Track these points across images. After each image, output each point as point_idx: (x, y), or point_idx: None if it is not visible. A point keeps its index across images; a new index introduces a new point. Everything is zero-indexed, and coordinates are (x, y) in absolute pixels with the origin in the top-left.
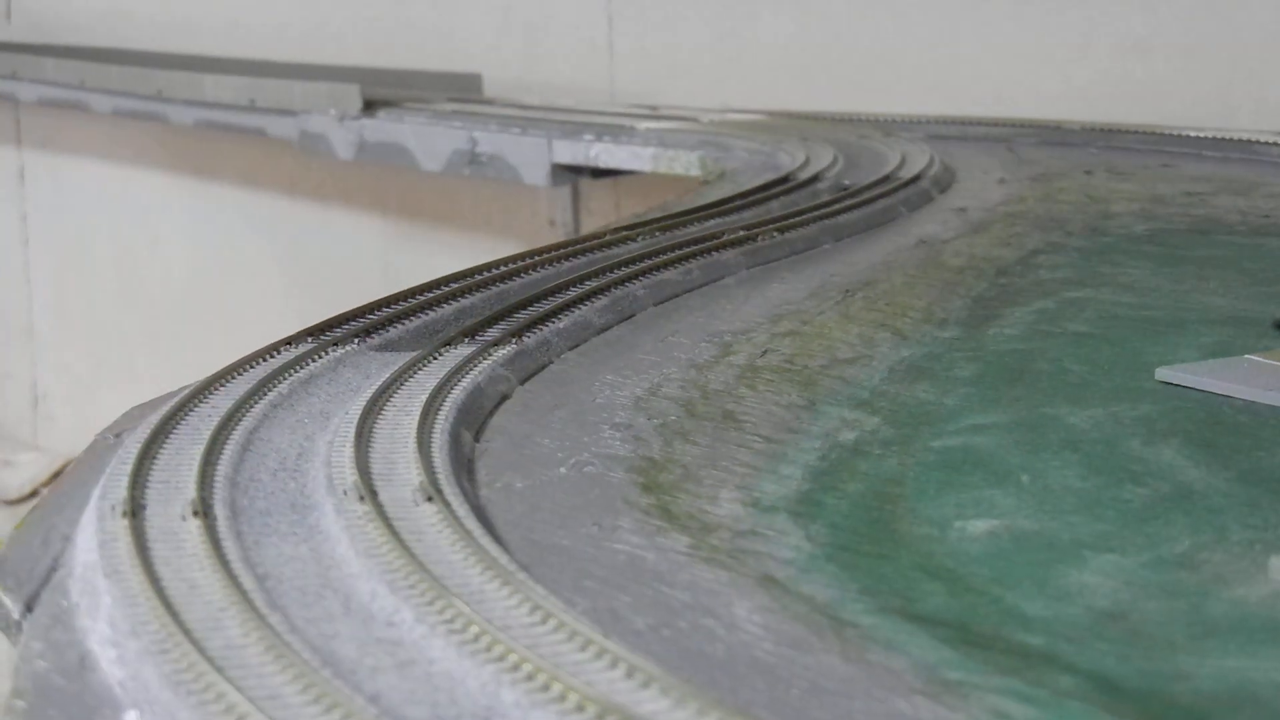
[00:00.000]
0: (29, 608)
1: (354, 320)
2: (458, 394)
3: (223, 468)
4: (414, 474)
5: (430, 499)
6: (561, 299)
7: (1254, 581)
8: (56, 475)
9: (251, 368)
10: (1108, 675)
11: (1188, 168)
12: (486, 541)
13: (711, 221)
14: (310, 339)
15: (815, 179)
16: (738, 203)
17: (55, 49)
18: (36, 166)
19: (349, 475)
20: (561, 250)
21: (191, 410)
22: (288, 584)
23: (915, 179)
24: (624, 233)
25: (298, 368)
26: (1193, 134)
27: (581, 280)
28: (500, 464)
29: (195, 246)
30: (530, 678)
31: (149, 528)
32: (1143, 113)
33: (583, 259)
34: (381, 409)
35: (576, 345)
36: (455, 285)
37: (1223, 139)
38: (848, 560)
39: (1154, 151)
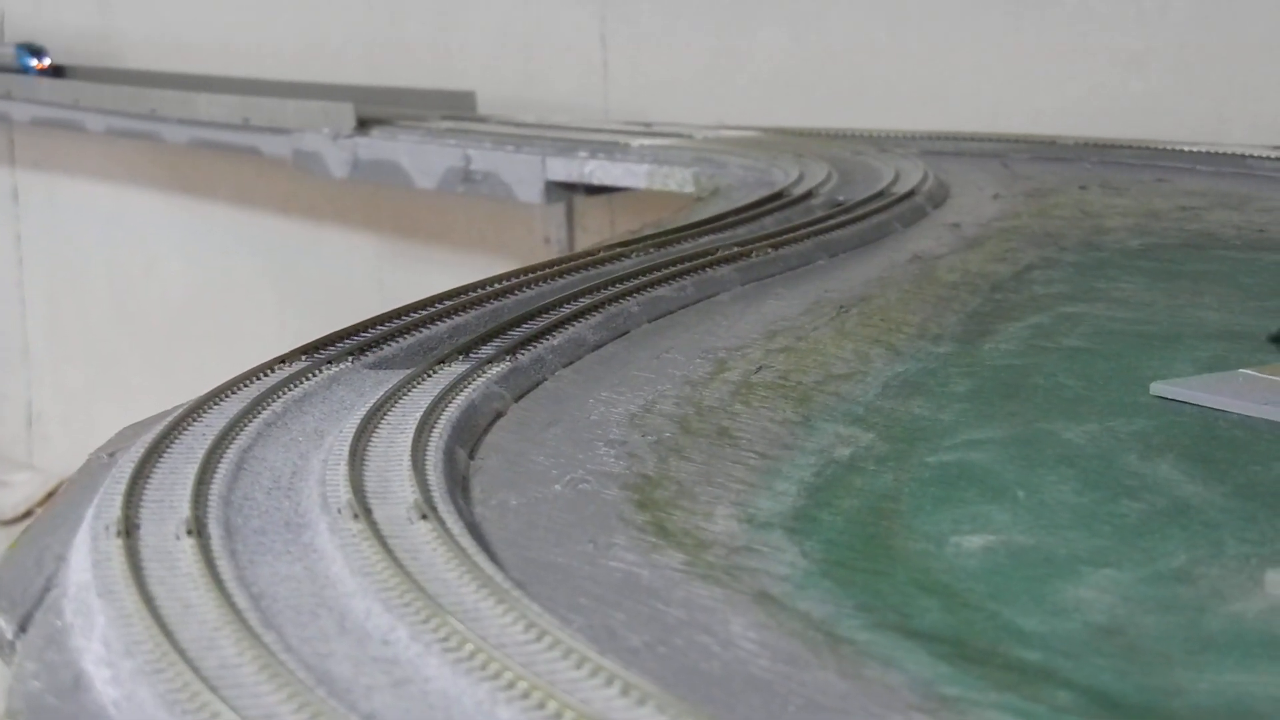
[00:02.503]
0: (23, 628)
1: (347, 338)
2: (452, 411)
3: (217, 487)
4: (408, 492)
5: (425, 517)
6: (555, 316)
7: (1251, 596)
8: (51, 495)
9: (245, 386)
10: (1105, 690)
11: (1182, 182)
12: (482, 559)
13: (705, 238)
14: (304, 357)
15: (809, 195)
16: (732, 219)
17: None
18: (31, 186)
19: (343, 493)
20: (555, 267)
21: (185, 429)
22: (282, 603)
23: (909, 195)
24: (618, 249)
25: (291, 386)
26: (1187, 149)
27: (575, 297)
28: (495, 481)
29: (190, 265)
30: (526, 695)
31: (143, 547)
32: (1137, 128)
33: (577, 276)
34: (375, 427)
35: (571, 362)
36: (449, 303)
37: (1217, 154)
38: (843, 576)
39: (1148, 166)
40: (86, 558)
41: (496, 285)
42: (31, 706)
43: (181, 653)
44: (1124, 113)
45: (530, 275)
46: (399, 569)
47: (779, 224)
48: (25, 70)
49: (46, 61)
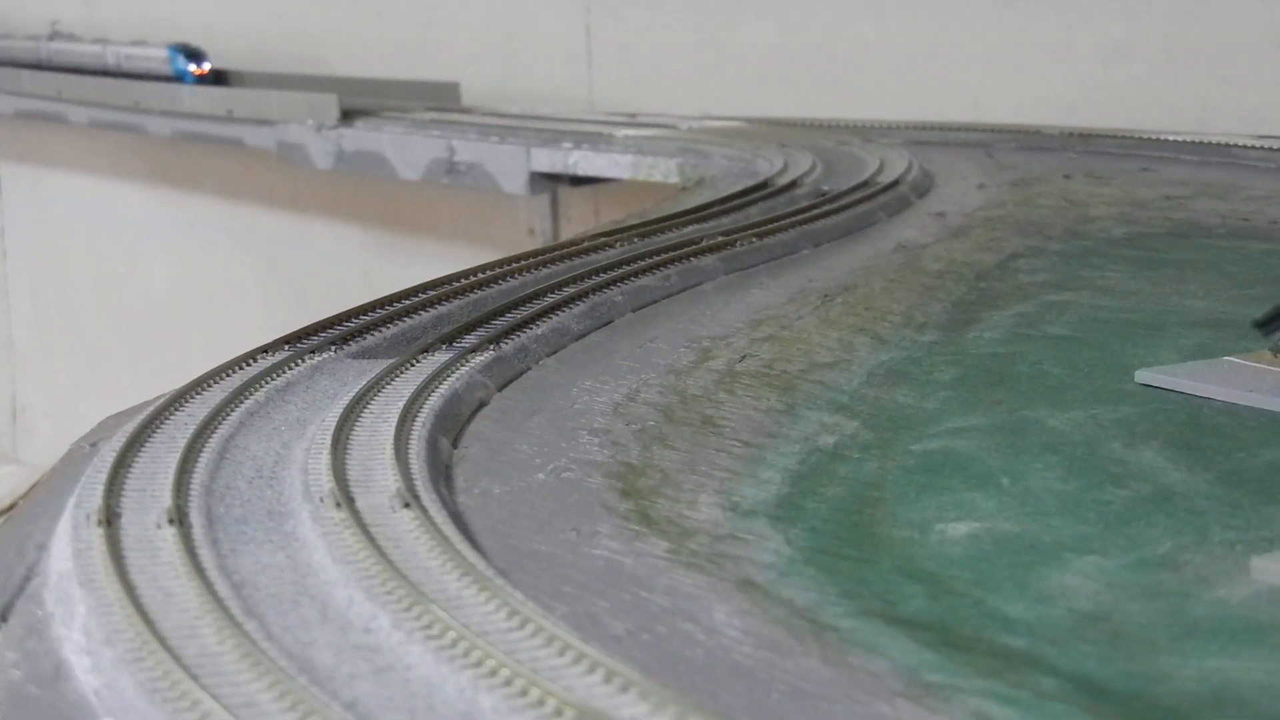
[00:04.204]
0: (3, 617)
1: (331, 328)
2: (435, 401)
3: (199, 476)
4: (391, 480)
5: (407, 505)
6: (540, 305)
7: (1235, 582)
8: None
9: (227, 376)
10: (1090, 677)
11: (1167, 172)
12: (464, 547)
13: (690, 228)
14: (286, 347)
15: (794, 185)
16: (716, 209)
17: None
18: (14, 179)
19: (326, 482)
20: (540, 257)
21: (167, 419)
22: (264, 591)
23: (894, 184)
24: (602, 239)
25: (274, 376)
26: (1172, 138)
27: (560, 287)
28: (478, 470)
29: (175, 257)
30: (508, 683)
31: (124, 536)
32: (1122, 118)
33: (561, 266)
34: (358, 416)
35: (555, 351)
36: (433, 292)
37: (1201, 143)
38: (827, 564)
39: (1133, 156)
40: (67, 547)
41: (480, 275)
42: (12, 695)
43: (162, 641)
44: (1109, 103)
45: (514, 265)
46: (381, 557)
47: (763, 214)
48: (180, 78)
49: (206, 67)
